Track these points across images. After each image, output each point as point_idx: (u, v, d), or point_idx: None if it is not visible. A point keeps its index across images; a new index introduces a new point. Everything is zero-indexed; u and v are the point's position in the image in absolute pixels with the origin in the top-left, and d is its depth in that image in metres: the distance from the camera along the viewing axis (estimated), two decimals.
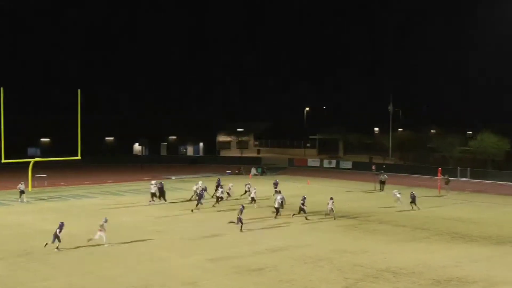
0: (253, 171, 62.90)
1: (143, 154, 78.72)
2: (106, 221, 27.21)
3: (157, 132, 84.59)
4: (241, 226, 30.10)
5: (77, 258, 24.28)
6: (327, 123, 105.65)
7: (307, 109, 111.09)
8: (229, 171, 63.04)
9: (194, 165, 73.45)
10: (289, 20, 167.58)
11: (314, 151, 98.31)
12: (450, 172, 53.19)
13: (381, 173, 51.63)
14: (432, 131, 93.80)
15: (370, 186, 50.06)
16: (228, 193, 42.03)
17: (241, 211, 30.70)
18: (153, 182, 41.06)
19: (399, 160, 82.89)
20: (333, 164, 73.53)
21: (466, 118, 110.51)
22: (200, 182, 42.65)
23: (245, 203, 35.13)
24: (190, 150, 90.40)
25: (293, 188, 47.05)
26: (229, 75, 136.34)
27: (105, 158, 75.13)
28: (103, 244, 26.21)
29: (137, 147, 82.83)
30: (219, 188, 40.92)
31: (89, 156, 59.31)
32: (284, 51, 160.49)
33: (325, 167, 72.26)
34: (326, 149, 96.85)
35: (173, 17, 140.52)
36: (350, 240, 28.17)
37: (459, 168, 62.00)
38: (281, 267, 22.77)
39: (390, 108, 78.73)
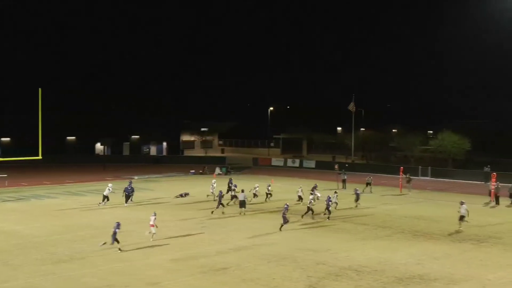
0: (218, 170, 62.80)
1: (105, 153, 77.90)
2: (155, 215, 28.05)
3: (120, 132, 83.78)
4: (282, 225, 30.34)
5: (38, 259, 23.90)
6: (291, 122, 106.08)
7: (271, 108, 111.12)
8: (193, 171, 62.80)
9: (157, 165, 72.97)
10: (254, 19, 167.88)
11: (278, 151, 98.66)
12: (411, 171, 54.05)
13: (343, 172, 52.25)
14: (394, 130, 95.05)
15: (333, 185, 50.47)
16: (255, 194, 40.85)
17: (286, 209, 31.01)
18: (109, 185, 39.92)
19: (362, 159, 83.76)
20: (297, 163, 73.94)
21: (427, 117, 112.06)
22: (213, 180, 41.78)
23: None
24: (153, 150, 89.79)
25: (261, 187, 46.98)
26: (193, 74, 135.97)
27: (66, 158, 74.13)
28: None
29: (99, 146, 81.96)
30: (232, 187, 40.89)
31: (50, 156, 58.36)
32: (249, 50, 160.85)
33: (289, 166, 72.63)
34: (290, 148, 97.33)
35: (136, 13, 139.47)
36: (313, 239, 28.35)
37: (420, 167, 62.96)
38: (245, 266, 22.80)
39: (352, 107, 79.38)
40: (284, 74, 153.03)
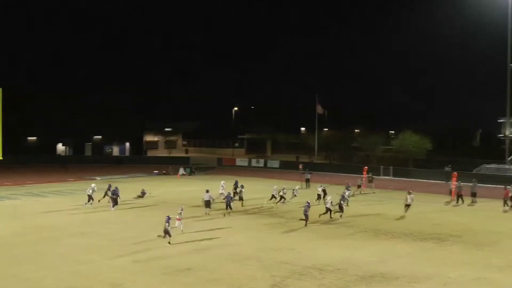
0: (181, 171, 62.51)
1: (67, 154, 76.83)
2: (182, 209, 29.39)
3: (82, 132, 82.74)
4: (306, 222, 31.63)
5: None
6: (256, 123, 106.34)
7: (236, 109, 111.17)
8: (157, 171, 62.40)
9: (119, 166, 72.28)
10: (216, 18, 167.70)
11: (242, 151, 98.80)
12: (373, 170, 54.69)
13: (307, 171, 52.63)
14: (356, 130, 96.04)
15: (297, 184, 50.70)
16: (283, 197, 40.08)
17: (308, 207, 31.99)
18: (92, 185, 38.90)
19: (325, 159, 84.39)
20: (261, 164, 74.14)
21: (389, 117, 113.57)
22: (223, 182, 41.09)
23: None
24: (115, 150, 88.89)
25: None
26: (157, 73, 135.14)
27: (27, 159, 72.87)
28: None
29: (60, 147, 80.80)
30: (237, 189, 40.48)
31: (11, 156, 57.29)
32: (213, 50, 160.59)
33: (253, 166, 72.76)
34: (254, 148, 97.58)
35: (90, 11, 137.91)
36: (277, 238, 28.46)
37: (382, 166, 63.78)
38: (209, 267, 22.75)
39: (320, 109, 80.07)
40: (248, 74, 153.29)
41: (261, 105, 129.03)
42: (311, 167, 60.24)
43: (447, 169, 57.81)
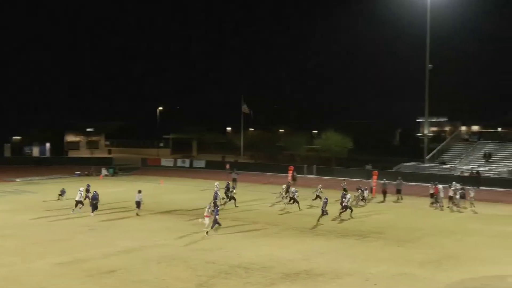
0: (104, 171, 61.30)
1: None
2: (210, 207, 29.87)
3: (0, 132, 79.81)
4: (320, 217, 32.59)
5: None
6: (181, 122, 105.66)
7: (160, 108, 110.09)
8: (78, 172, 60.92)
9: (40, 167, 70.10)
10: (144, 17, 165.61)
11: (167, 151, 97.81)
12: (297, 169, 55.46)
13: (234, 170, 52.81)
14: (281, 130, 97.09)
15: (223, 184, 50.74)
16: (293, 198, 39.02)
17: (325, 204, 33.09)
18: (81, 188, 36.41)
19: (251, 158, 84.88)
20: (187, 164, 73.74)
21: (312, 117, 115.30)
22: (217, 183, 39.74)
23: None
24: (36, 151, 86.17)
25: (149, 188, 46.38)
26: (79, 72, 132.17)
27: None
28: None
29: None
30: (230, 189, 39.80)
31: None
32: (137, 50, 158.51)
33: (179, 167, 72.29)
34: (180, 148, 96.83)
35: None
36: (203, 238, 28.39)
37: (305, 165, 64.78)
38: (134, 268, 22.47)
39: (245, 109, 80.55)
40: (174, 74, 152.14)
41: (187, 104, 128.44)
42: (238, 167, 60.43)
43: (368, 167, 59.29)
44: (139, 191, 35.55)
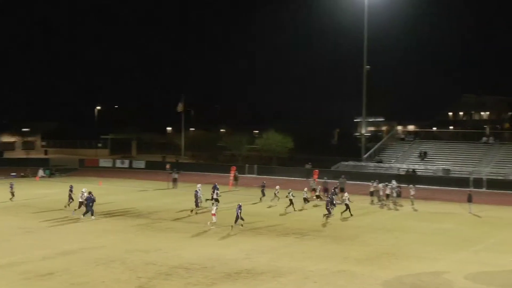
0: (41, 172, 59.84)
1: None
2: (216, 206, 31.80)
3: None
4: (327, 216, 34.08)
5: None
6: (120, 122, 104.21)
7: (98, 108, 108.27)
8: (14, 174, 59.24)
9: None
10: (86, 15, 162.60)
11: (106, 151, 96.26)
12: (239, 169, 55.61)
13: (174, 171, 52.51)
14: (222, 130, 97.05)
15: (163, 184, 50.45)
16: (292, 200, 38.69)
17: (330, 202, 34.41)
18: (83, 189, 35.37)
19: (192, 158, 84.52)
20: (126, 164, 72.84)
21: (253, 117, 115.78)
22: (198, 185, 38.67)
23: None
24: None
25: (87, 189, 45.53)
26: (14, 71, 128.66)
27: None
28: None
29: None
30: (215, 191, 39.10)
31: None
32: (75, 48, 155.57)
33: (118, 167, 71.33)
34: (119, 149, 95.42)
35: None
36: (143, 239, 28.13)
37: (247, 165, 65.08)
38: (73, 271, 22.04)
39: (180, 108, 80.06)
40: (112, 73, 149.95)
41: (126, 104, 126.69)
42: (178, 167, 60.11)
43: (307, 166, 59.97)
44: (90, 193, 34.49)
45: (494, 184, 53.26)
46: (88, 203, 33.41)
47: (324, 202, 37.15)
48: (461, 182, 53.29)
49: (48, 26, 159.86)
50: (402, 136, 74.52)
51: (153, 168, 67.32)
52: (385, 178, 46.48)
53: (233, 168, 53.09)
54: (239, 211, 30.92)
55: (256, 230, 30.92)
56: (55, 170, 63.30)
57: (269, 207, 39.11)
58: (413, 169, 58.60)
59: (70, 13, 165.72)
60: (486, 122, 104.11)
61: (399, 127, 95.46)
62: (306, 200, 39.23)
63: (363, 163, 65.09)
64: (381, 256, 25.05)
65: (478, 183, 53.26)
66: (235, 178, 50.32)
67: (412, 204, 40.08)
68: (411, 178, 53.61)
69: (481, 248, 27.30)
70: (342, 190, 43.97)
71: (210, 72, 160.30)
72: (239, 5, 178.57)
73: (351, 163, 65.26)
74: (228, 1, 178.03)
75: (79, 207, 34.29)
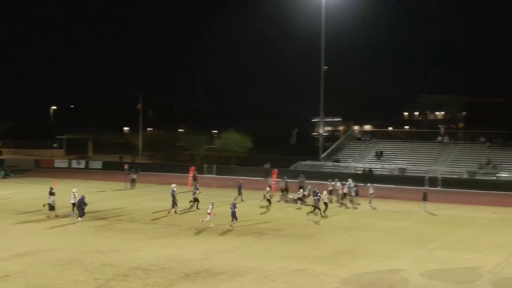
0: None
1: None
2: (213, 205, 31.82)
3: None
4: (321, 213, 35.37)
5: None
6: (76, 122, 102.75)
7: (54, 108, 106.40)
8: None
9: None
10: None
11: (62, 152, 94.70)
12: (197, 169, 55.40)
13: (132, 171, 52.00)
14: (180, 130, 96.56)
15: (121, 185, 49.89)
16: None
17: (317, 200, 35.28)
18: (74, 190, 34.86)
19: (149, 158, 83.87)
20: (82, 165, 71.87)
21: (213, 117, 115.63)
22: (173, 185, 38.06)
23: None
24: None
25: (43, 190, 44.73)
26: None
27: None
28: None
29: None
30: (196, 191, 38.83)
31: None
32: (30, 47, 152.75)
33: (74, 168, 70.32)
34: (75, 149, 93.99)
35: None
36: (101, 241, 27.78)
37: (205, 165, 64.90)
38: (29, 273, 21.63)
39: (140, 107, 79.44)
40: (69, 72, 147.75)
41: (82, 104, 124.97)
42: (137, 167, 59.54)
43: (266, 166, 60.16)
44: (52, 194, 34.04)
45: (449, 182, 54.35)
46: (81, 206, 33.23)
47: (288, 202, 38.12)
48: (417, 181, 54.20)
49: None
50: (359, 135, 75.45)
51: (110, 169, 66.50)
52: (342, 177, 46.93)
53: (192, 168, 52.85)
54: (235, 209, 31.48)
55: (214, 230, 30.86)
56: (9, 171, 61.94)
57: (262, 207, 39.06)
58: (370, 168, 59.34)
59: (20, 13, 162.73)
60: (441, 122, 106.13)
61: (356, 127, 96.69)
62: (268, 200, 39.38)
63: (321, 163, 65.65)
64: (339, 255, 25.31)
65: (433, 182, 54.27)
66: (194, 178, 50.07)
67: (370, 203, 40.66)
68: (367, 177, 54.29)
69: (437, 246, 27.84)
70: (301, 189, 44.30)
71: (169, 72, 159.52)
72: (198, 5, 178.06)
73: (309, 162, 65.75)
74: (188, 2, 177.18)
75: (73, 208, 34.07)
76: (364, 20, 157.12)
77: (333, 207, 40.05)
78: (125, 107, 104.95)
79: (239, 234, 29.69)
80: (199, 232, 30.23)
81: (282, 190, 43.41)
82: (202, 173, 59.61)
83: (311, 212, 35.42)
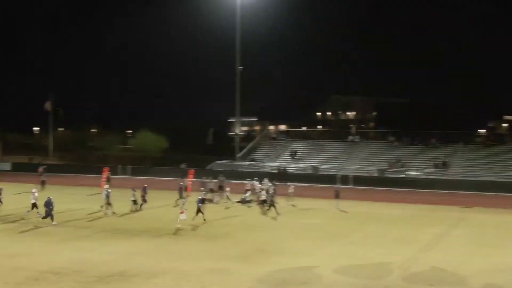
0: None
1: None
2: (184, 203, 32.71)
3: None
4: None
5: None
6: None
7: None
8: None
9: None
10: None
11: None
12: (111, 170, 54.36)
13: (43, 173, 50.55)
14: (93, 130, 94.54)
15: (30, 186, 48.22)
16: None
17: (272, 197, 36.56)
18: (33, 190, 34.03)
19: (61, 159, 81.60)
20: None
21: (127, 117, 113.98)
22: (107, 186, 37.52)
23: None
24: None
25: None
26: None
27: None
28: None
29: None
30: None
31: None
32: None
33: None
34: None
35: None
36: (10, 244, 26.79)
37: (120, 165, 63.81)
38: None
39: (48, 106, 77.08)
40: None
41: None
42: (47, 169, 57.77)
43: (182, 166, 59.88)
44: (34, 192, 33.88)
45: (360, 180, 56.03)
46: (48, 206, 32.08)
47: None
48: (330, 179, 55.49)
49: None
50: (274, 135, 76.41)
51: (20, 170, 64.27)
52: (259, 176, 47.35)
53: (106, 169, 51.74)
54: (200, 204, 32.70)
55: (128, 232, 30.44)
56: None
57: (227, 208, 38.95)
58: (285, 167, 60.21)
59: None
60: (352, 122, 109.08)
61: (271, 127, 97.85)
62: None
63: (237, 162, 66.02)
64: (254, 253, 25.54)
65: (345, 180, 55.75)
66: (108, 180, 49.06)
67: (288, 201, 41.30)
68: (283, 176, 55.09)
69: (349, 242, 28.62)
70: (221, 188, 44.41)
71: (81, 71, 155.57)
72: (108, 4, 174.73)
73: (225, 162, 65.99)
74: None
75: (32, 208, 33.67)
76: (278, 21, 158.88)
77: (250, 205, 40.38)
78: (34, 106, 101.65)
79: (154, 236, 29.41)
80: (113, 234, 29.71)
81: (212, 191, 43.20)
82: (117, 174, 58.58)
83: (267, 209, 36.52)
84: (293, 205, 40.91)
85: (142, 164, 69.91)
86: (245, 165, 64.68)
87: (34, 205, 33.75)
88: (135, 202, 37.66)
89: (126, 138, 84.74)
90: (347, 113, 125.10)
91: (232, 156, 67.94)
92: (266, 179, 43.71)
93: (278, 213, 35.84)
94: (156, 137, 74.51)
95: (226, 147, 78.59)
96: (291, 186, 42.57)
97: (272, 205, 36.43)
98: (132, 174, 61.92)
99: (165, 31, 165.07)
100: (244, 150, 68.97)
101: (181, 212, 31.41)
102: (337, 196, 40.10)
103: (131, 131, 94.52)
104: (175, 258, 24.53)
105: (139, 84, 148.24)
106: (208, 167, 63.34)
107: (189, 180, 46.00)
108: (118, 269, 22.52)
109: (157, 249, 26.38)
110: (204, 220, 32.92)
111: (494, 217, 37.54)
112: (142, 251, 25.86)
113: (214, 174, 48.46)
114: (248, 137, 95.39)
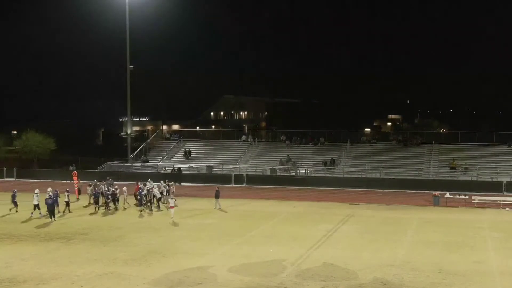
0: None
1: None
2: (174, 198, 35.56)
3: None
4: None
5: None
6: None
7: None
8: None
9: None
10: None
11: None
12: None
13: None
14: None
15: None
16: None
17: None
18: (36, 191, 34.71)
19: None
20: None
21: (11, 116, 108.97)
22: (37, 190, 35.24)
23: None
24: None
25: None
26: None
27: None
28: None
29: None
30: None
31: None
32: None
33: None
34: None
35: None
36: None
37: (5, 168, 61.05)
38: None
39: None
40: None
41: None
42: None
43: (71, 168, 58.21)
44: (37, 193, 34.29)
45: (254, 179, 56.83)
46: (48, 202, 33.81)
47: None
48: (224, 178, 55.89)
49: None
50: (168, 135, 75.91)
51: None
52: (152, 177, 46.66)
53: None
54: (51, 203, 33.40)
55: (16, 236, 29.29)
56: None
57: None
58: (179, 168, 60.00)
59: None
60: (245, 122, 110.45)
61: (164, 127, 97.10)
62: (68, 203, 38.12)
63: (129, 163, 65.02)
64: (148, 255, 25.34)
65: (239, 179, 56.38)
66: None
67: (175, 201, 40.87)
68: (176, 176, 54.91)
69: (243, 241, 29.01)
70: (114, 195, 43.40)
71: None
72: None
73: (117, 163, 64.81)
74: None
75: (34, 209, 34.94)
76: (171, 21, 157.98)
77: (141, 208, 39.92)
78: None
79: (43, 240, 28.47)
80: None
81: (103, 194, 41.52)
82: (2, 177, 56.00)
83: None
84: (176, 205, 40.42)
85: (29, 167, 67.14)
86: (137, 166, 63.81)
87: (36, 206, 34.86)
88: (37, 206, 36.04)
89: (11, 139, 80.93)
90: (240, 113, 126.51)
91: (124, 157, 66.82)
92: (161, 181, 43.00)
93: (150, 213, 37.23)
94: (43, 138, 71.80)
95: (117, 148, 77.15)
96: (173, 186, 42.58)
97: (148, 204, 37.06)
98: (18, 177, 59.37)
99: (54, 29, 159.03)
100: (137, 151, 68.02)
101: (171, 207, 35.05)
102: (217, 196, 40.12)
103: (16, 132, 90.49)
104: (67, 263, 23.90)
105: (22, 83, 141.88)
106: (99, 169, 61.95)
107: (75, 183, 44.86)
108: (6, 275, 21.70)
109: (47, 254, 25.58)
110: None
111: (381, 213, 39.18)
112: (31, 256, 24.99)
113: (103, 176, 47.40)
114: (140, 137, 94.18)
